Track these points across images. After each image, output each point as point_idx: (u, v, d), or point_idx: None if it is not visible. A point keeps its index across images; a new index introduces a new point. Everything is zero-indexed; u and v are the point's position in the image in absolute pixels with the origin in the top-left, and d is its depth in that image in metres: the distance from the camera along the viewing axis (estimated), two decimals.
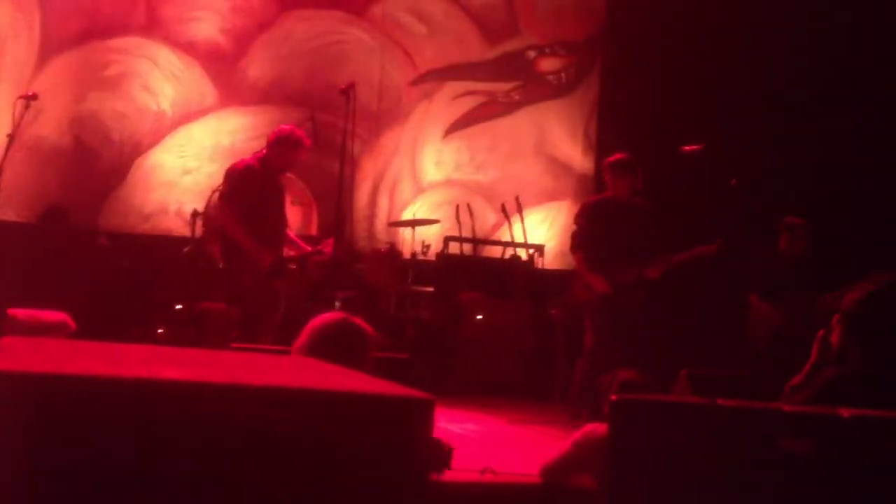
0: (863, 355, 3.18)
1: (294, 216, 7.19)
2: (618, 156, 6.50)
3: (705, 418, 2.18)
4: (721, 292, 7.60)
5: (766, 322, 6.92)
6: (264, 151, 5.99)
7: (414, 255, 8.13)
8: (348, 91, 6.12)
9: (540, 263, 8.41)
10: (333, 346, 2.99)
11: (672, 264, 6.15)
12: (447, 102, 9.56)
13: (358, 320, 3.17)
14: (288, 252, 6.15)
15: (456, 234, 8.53)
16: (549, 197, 9.69)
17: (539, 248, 8.54)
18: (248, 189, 5.83)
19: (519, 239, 8.26)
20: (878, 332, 3.13)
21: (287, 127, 6.08)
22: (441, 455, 3.30)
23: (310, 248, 6.14)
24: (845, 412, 2.22)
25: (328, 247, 6.01)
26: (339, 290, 7.22)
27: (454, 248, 8.51)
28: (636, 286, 6.17)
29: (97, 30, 8.44)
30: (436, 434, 1.87)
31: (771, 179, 7.82)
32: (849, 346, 3.24)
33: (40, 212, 7.60)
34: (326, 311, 6.93)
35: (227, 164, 8.19)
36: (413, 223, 8.29)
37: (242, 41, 8.87)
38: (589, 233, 6.30)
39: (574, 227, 6.49)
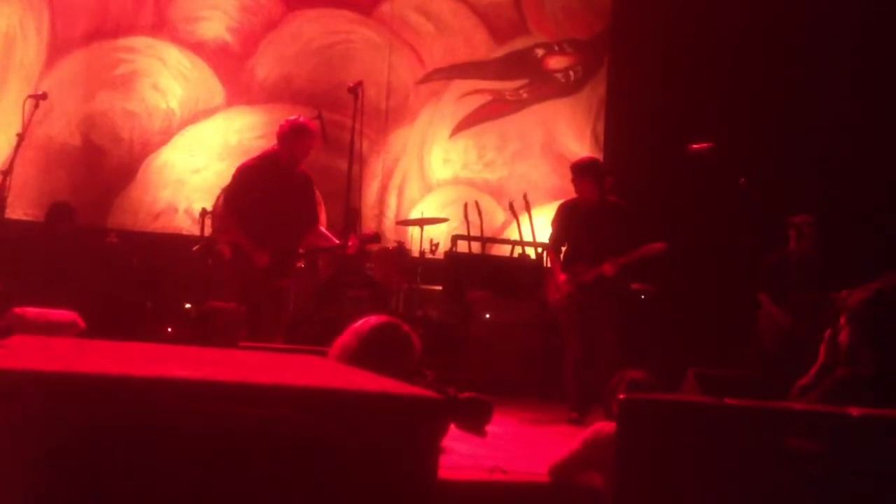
0: (871, 355, 3.18)
1: None
2: (579, 160, 6.75)
3: (713, 417, 2.18)
4: (729, 291, 7.59)
5: (774, 321, 6.90)
6: (275, 148, 5.94)
7: (422, 253, 8.13)
8: (356, 89, 6.10)
9: (548, 262, 8.40)
10: (382, 350, 2.99)
11: (623, 262, 6.29)
12: (455, 101, 9.56)
13: (407, 327, 3.18)
14: (317, 246, 6.08)
15: (464, 232, 8.52)
16: (558, 195, 9.64)
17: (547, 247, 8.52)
18: (246, 187, 5.80)
19: (527, 237, 8.24)
20: (886, 332, 3.12)
21: (289, 119, 5.97)
22: (482, 412, 3.29)
23: (337, 242, 6.03)
24: (855, 411, 2.21)
25: (351, 244, 5.88)
26: (348, 289, 7.22)
27: (462, 246, 8.51)
28: (596, 284, 6.31)
29: (106, 29, 8.46)
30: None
31: (780, 178, 7.80)
32: (857, 346, 3.23)
33: (49, 210, 7.61)
34: (337, 309, 6.94)
35: (235, 163, 8.23)
36: (421, 222, 8.29)
37: (250, 40, 8.89)
38: (558, 234, 6.61)
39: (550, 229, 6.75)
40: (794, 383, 4.16)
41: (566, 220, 6.55)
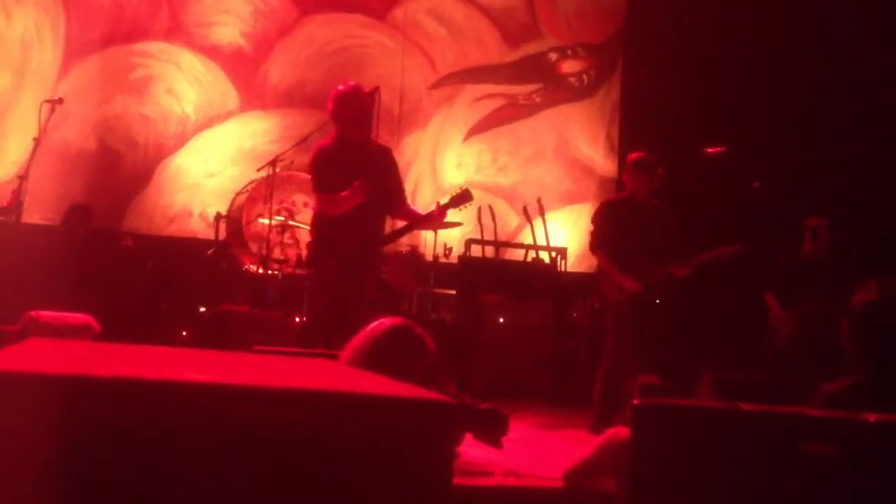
0: (876, 360, 3.16)
1: None
2: (638, 154, 6.54)
3: (727, 422, 2.17)
4: (744, 295, 7.56)
5: (788, 325, 6.87)
6: (336, 130, 5.52)
7: (436, 257, 8.13)
8: (373, 95, 6.01)
9: (562, 266, 8.39)
10: (395, 352, 2.99)
11: (697, 263, 6.15)
12: (468, 105, 9.56)
13: (420, 330, 3.17)
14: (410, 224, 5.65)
15: (478, 236, 8.52)
16: (572, 199, 9.67)
17: (561, 251, 8.52)
18: (322, 173, 5.41)
19: (541, 241, 8.24)
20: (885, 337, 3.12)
21: (332, 94, 5.53)
22: (499, 423, 3.27)
23: (422, 215, 5.62)
24: (871, 417, 2.20)
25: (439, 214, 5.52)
26: None
27: (476, 250, 8.51)
28: (664, 285, 6.17)
29: (121, 34, 8.51)
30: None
31: (794, 181, 7.77)
32: (860, 350, 3.22)
33: (67, 213, 7.65)
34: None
35: (248, 168, 8.27)
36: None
37: (264, 45, 8.92)
38: (606, 232, 6.34)
39: (591, 228, 6.53)
40: (808, 385, 4.14)
41: (614, 219, 6.32)
